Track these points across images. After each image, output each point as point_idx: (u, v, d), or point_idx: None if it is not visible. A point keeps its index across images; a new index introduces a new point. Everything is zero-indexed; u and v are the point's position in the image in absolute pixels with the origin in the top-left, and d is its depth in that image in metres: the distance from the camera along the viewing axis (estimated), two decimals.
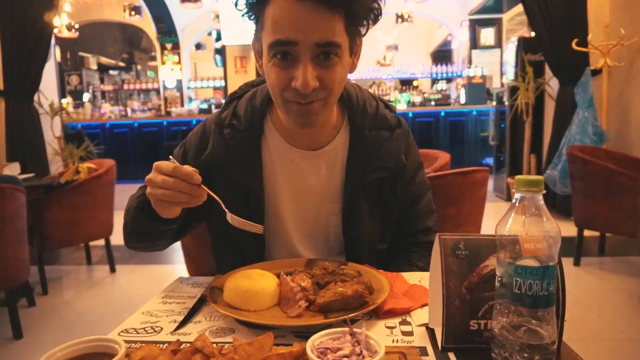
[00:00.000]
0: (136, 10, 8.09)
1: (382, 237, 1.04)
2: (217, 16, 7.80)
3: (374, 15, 0.86)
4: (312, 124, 0.89)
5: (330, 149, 0.99)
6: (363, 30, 0.88)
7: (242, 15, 0.88)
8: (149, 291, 2.93)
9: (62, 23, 7.16)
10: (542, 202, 0.56)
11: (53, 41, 4.70)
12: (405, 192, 1.04)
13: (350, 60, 0.90)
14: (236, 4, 0.86)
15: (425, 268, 1.04)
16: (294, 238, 1.01)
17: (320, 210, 1.00)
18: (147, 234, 0.95)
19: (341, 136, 1.00)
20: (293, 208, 1.00)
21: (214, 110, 8.00)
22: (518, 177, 0.56)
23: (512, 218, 0.56)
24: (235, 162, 0.97)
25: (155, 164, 0.81)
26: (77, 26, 7.73)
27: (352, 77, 7.97)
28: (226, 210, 0.84)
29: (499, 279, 0.57)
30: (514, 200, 0.57)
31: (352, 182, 0.97)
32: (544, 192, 0.55)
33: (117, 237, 3.67)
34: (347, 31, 0.83)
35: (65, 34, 7.54)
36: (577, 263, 3.09)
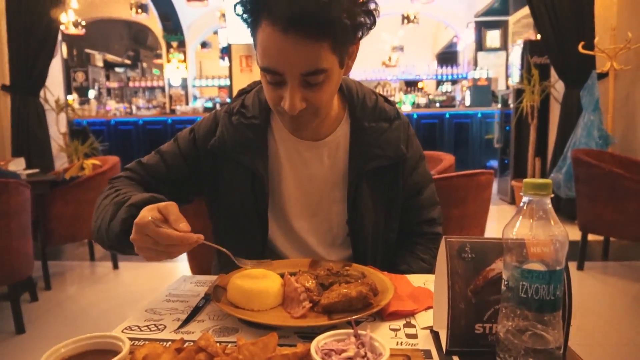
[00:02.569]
0: (142, 8, 8.10)
1: (387, 226, 1.05)
2: (223, 15, 7.81)
3: (368, 25, 0.86)
4: (303, 132, 0.97)
5: (332, 139, 1.02)
6: (355, 41, 0.88)
7: (244, 23, 0.88)
8: (152, 288, 2.93)
9: (68, 20, 7.19)
10: (549, 205, 0.55)
11: (60, 38, 4.71)
12: (408, 183, 1.07)
13: (342, 71, 0.91)
14: (239, 16, 0.87)
15: (429, 261, 1.06)
16: (297, 225, 1.04)
17: (322, 198, 1.03)
18: (123, 250, 0.89)
19: (342, 127, 1.03)
20: (296, 195, 1.03)
21: (219, 109, 8.00)
22: (526, 180, 0.56)
23: (519, 221, 0.55)
24: (243, 146, 1.00)
25: (136, 225, 0.74)
26: (83, 23, 7.76)
27: (357, 78, 7.97)
28: (233, 257, 0.82)
29: (505, 282, 0.57)
30: (521, 204, 0.56)
31: (354, 170, 1.00)
32: (552, 195, 0.55)
33: None
34: (335, 52, 0.83)
35: (72, 30, 7.56)
36: (580, 267, 3.07)
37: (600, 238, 3.34)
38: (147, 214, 0.75)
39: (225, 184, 1.03)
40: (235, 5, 0.86)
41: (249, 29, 0.87)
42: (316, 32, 0.78)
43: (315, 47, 0.79)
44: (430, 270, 1.04)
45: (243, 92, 1.09)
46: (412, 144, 1.07)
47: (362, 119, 1.01)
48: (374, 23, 0.87)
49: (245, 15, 0.85)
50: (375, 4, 0.86)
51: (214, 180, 1.04)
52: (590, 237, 3.10)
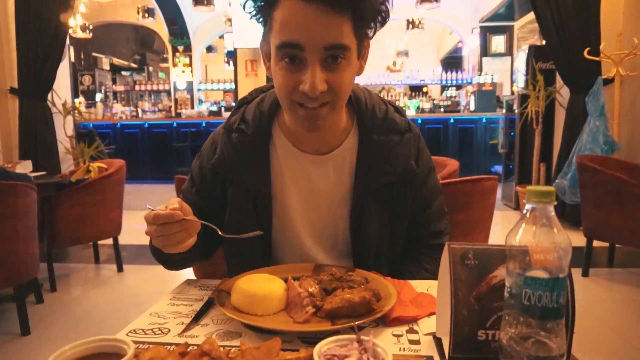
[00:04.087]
0: (149, 12, 8.17)
1: (392, 241, 1.03)
2: (229, 19, 7.87)
3: (382, 17, 0.86)
4: (319, 128, 0.89)
5: (338, 153, 0.99)
6: (371, 33, 0.88)
7: (251, 18, 0.88)
8: (156, 291, 2.94)
9: (76, 24, 7.26)
10: (553, 213, 0.55)
11: (68, 41, 4.76)
12: (417, 197, 1.03)
13: (358, 63, 0.90)
14: (244, 6, 0.87)
15: (433, 271, 1.04)
16: (303, 240, 1.01)
17: (328, 213, 1.00)
18: (173, 262, 1.00)
19: (349, 140, 0.99)
20: (301, 211, 1.00)
21: (224, 113, 8.06)
22: (529, 187, 0.56)
23: (522, 228, 0.55)
24: (243, 166, 0.98)
25: (144, 216, 0.81)
26: (91, 27, 7.83)
27: (361, 82, 7.99)
28: (218, 229, 0.87)
29: (508, 289, 0.57)
30: (524, 211, 0.56)
31: (361, 187, 0.97)
32: (555, 203, 0.55)
33: (125, 237, 3.71)
34: (355, 33, 0.83)
35: (80, 34, 7.64)
36: (585, 274, 3.05)
37: (606, 244, 3.32)
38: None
39: (229, 205, 1.01)
40: (244, 3, 0.85)
41: (262, 16, 0.86)
42: (340, 4, 0.78)
43: (338, 20, 0.79)
44: (434, 279, 1.03)
45: (244, 103, 1.06)
46: (422, 156, 1.04)
47: (371, 131, 0.98)
48: (387, 17, 0.87)
49: (258, 3, 0.84)
50: (390, 3, 0.86)
51: (224, 202, 1.02)
52: (596, 243, 3.08)
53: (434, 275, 1.03)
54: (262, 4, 0.84)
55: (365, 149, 0.98)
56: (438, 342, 0.69)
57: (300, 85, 0.82)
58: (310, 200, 1.00)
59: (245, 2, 0.86)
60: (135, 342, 0.69)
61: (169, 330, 0.75)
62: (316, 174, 0.99)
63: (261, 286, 0.79)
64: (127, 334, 0.74)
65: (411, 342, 0.69)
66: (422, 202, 1.05)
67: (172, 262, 1.01)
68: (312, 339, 0.70)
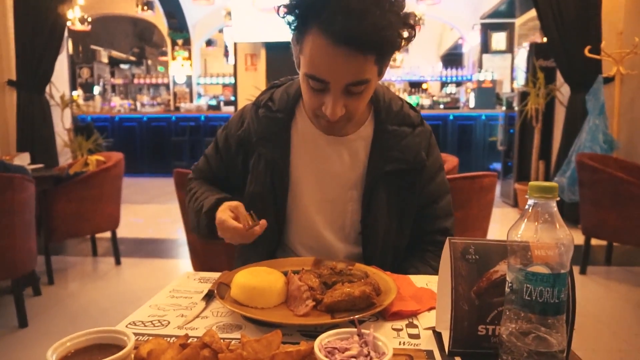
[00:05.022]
0: (149, 5, 8.12)
1: (399, 232, 1.06)
2: (229, 13, 7.82)
3: (408, 39, 0.89)
4: (336, 134, 1.01)
5: (355, 138, 1.04)
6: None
7: (287, 25, 0.90)
8: (154, 285, 2.94)
9: (75, 16, 7.21)
10: (555, 209, 0.55)
11: (66, 34, 4.72)
12: (425, 191, 1.07)
13: (379, 77, 0.94)
14: (283, 16, 0.89)
15: (437, 268, 1.05)
16: (314, 217, 1.06)
17: (339, 195, 1.05)
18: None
19: (366, 128, 1.05)
20: (314, 188, 1.05)
21: (223, 107, 8.04)
22: (532, 183, 0.56)
23: (524, 224, 0.55)
24: (266, 139, 1.04)
25: (217, 225, 0.94)
26: (89, 19, 7.78)
27: None
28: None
29: (509, 284, 0.57)
30: (526, 206, 0.56)
31: (373, 171, 1.02)
32: (558, 199, 0.55)
33: (123, 230, 3.71)
34: (377, 64, 0.88)
35: (78, 27, 7.58)
36: (583, 272, 3.07)
37: (604, 243, 3.33)
38: (221, 215, 0.93)
39: (250, 176, 1.07)
40: (279, 7, 0.88)
41: (293, 32, 0.89)
42: (366, 48, 0.83)
43: (362, 60, 0.84)
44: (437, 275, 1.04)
45: (274, 86, 1.13)
46: (432, 152, 1.09)
47: (386, 122, 1.03)
48: (414, 36, 0.90)
49: (291, 19, 0.87)
50: (415, 16, 0.89)
51: (244, 173, 1.09)
52: (594, 241, 3.09)
53: (437, 272, 1.05)
54: (294, 27, 0.88)
55: (380, 137, 1.03)
56: (438, 336, 0.69)
57: (322, 106, 0.91)
58: (323, 179, 1.05)
59: (284, 15, 0.88)
60: (135, 334, 0.68)
61: (169, 323, 0.75)
62: (332, 155, 1.04)
63: (261, 279, 0.79)
64: (126, 326, 0.73)
65: (411, 336, 0.70)
66: (430, 197, 1.08)
67: (205, 235, 1.08)
68: (312, 333, 0.70)
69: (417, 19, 0.90)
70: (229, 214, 0.93)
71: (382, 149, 1.02)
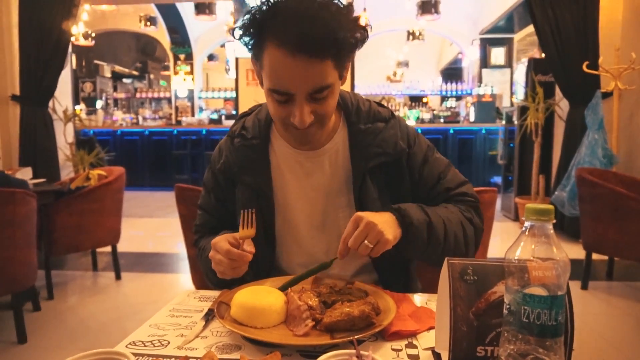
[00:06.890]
0: (152, 21, 8.24)
1: None
2: (231, 29, 7.92)
3: (362, 41, 0.91)
4: (310, 143, 1.01)
5: (331, 147, 1.05)
6: (353, 55, 0.93)
7: (244, 46, 0.91)
8: (154, 300, 2.93)
9: (79, 31, 7.31)
10: (551, 231, 0.56)
11: (70, 49, 4.78)
12: (425, 174, 1.07)
13: (341, 82, 0.95)
14: (239, 38, 0.90)
15: (472, 220, 1.04)
16: (305, 233, 1.06)
17: (327, 205, 1.05)
18: (218, 281, 1.01)
19: (340, 134, 1.06)
20: (302, 205, 1.06)
21: (224, 121, 8.08)
22: (528, 205, 0.56)
23: (521, 245, 0.56)
24: (246, 167, 1.05)
25: (214, 243, 0.90)
26: (93, 35, 7.88)
27: (361, 92, 8.02)
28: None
29: (507, 306, 0.57)
30: (523, 228, 0.57)
31: (357, 170, 1.02)
32: (554, 221, 0.56)
33: (124, 245, 3.70)
34: (337, 68, 0.89)
35: (82, 42, 7.69)
36: (584, 287, 3.05)
37: (605, 258, 3.32)
38: (217, 237, 0.91)
39: (237, 203, 1.07)
40: (233, 30, 0.90)
41: (251, 51, 0.91)
42: (323, 53, 0.84)
43: (321, 66, 0.85)
44: (464, 220, 1.02)
45: (244, 115, 1.14)
46: (411, 138, 1.08)
47: (358, 123, 1.05)
48: (367, 36, 0.92)
49: (247, 39, 0.89)
50: (365, 19, 0.90)
51: (234, 205, 1.09)
52: (595, 256, 3.08)
53: (467, 216, 1.04)
54: (251, 45, 0.89)
55: (355, 138, 1.04)
56: (437, 357, 0.69)
57: (290, 116, 0.90)
58: (309, 193, 1.05)
59: (239, 37, 0.90)
60: (135, 355, 0.69)
61: (169, 343, 0.75)
62: (313, 169, 1.05)
63: (261, 299, 0.79)
64: (126, 346, 0.74)
65: (410, 357, 0.70)
66: (431, 176, 1.07)
67: (217, 282, 1.04)
68: (311, 353, 0.70)
69: (365, 24, 0.91)
70: (226, 237, 0.91)
71: (360, 147, 1.03)
